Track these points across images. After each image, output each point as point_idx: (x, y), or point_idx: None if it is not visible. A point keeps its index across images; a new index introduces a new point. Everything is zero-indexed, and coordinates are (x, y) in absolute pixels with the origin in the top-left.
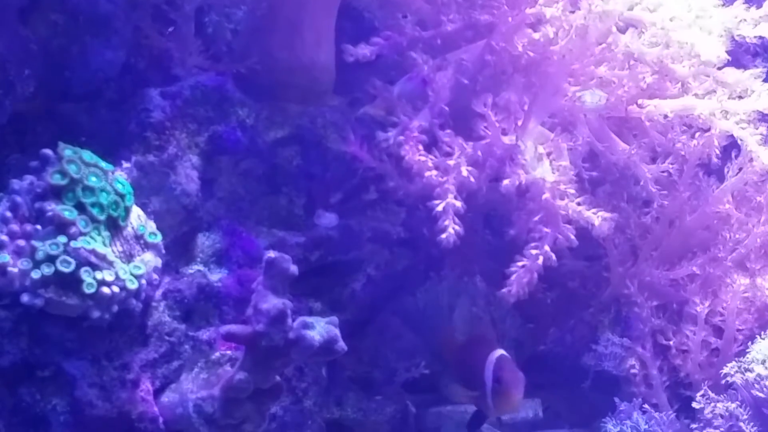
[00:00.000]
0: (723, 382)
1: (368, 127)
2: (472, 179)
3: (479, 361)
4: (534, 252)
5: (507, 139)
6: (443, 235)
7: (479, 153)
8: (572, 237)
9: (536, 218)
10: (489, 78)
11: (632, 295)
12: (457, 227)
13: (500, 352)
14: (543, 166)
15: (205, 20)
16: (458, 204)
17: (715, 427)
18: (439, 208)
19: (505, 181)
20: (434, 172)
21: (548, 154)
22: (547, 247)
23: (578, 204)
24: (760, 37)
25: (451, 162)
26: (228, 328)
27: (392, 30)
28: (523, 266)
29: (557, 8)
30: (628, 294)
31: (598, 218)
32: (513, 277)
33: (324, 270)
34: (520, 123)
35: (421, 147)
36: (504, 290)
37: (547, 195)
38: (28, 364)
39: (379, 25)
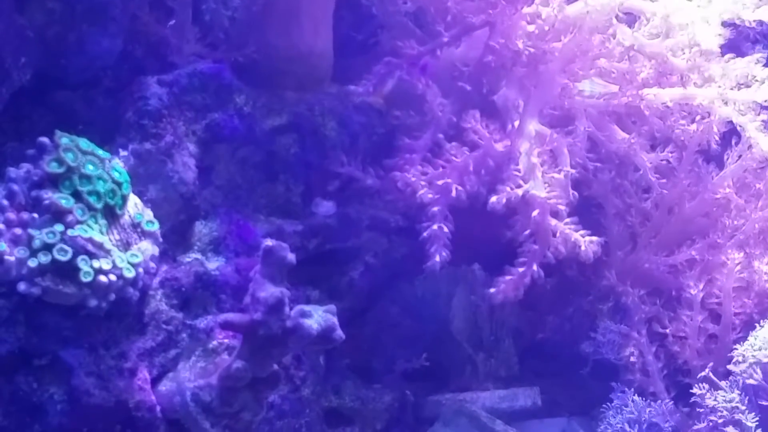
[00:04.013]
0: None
1: (366, 115)
2: (463, 197)
3: None
4: (521, 270)
5: (501, 146)
6: (429, 263)
7: (471, 164)
8: (562, 250)
9: (526, 233)
10: (491, 75)
11: (614, 285)
12: (444, 254)
13: None
14: (535, 179)
15: (203, 7)
16: (446, 229)
17: (717, 416)
18: (426, 234)
19: (493, 198)
20: (425, 191)
21: (542, 164)
22: (535, 266)
23: (566, 224)
24: (760, 23)
25: (440, 182)
26: (225, 317)
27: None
28: (510, 279)
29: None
30: (609, 285)
31: (585, 243)
32: (501, 286)
33: (322, 258)
34: (516, 124)
35: (419, 167)
36: (493, 290)
37: (536, 212)
38: (25, 352)
39: (377, 12)
